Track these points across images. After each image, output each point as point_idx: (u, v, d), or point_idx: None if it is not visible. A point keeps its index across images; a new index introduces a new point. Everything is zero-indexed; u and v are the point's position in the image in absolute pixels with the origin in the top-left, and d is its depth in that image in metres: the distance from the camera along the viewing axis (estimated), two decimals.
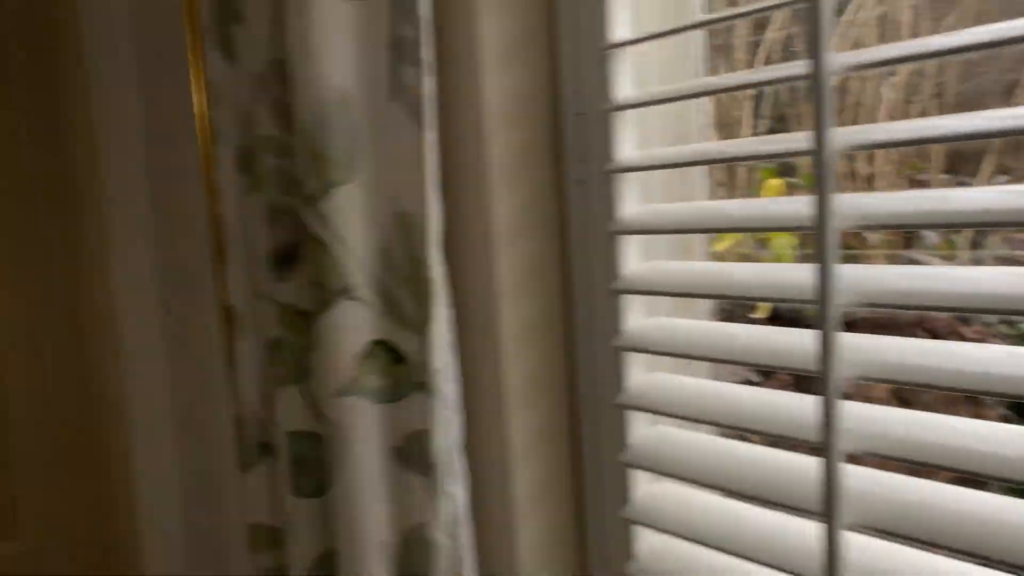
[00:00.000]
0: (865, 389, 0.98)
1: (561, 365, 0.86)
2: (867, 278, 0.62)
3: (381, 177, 0.74)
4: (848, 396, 0.64)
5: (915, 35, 0.95)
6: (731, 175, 1.14)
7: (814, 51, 0.60)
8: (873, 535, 0.63)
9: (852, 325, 0.64)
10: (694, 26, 0.72)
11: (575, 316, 0.84)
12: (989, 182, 0.93)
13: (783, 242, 1.05)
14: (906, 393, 1.05)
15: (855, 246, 1.05)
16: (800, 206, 0.65)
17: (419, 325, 0.75)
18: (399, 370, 0.76)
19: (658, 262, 0.83)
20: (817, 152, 0.61)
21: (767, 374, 1.11)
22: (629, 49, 0.79)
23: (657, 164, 0.77)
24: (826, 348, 0.62)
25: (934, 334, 1.06)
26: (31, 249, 1.27)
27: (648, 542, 0.84)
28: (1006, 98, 0.88)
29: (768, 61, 1.07)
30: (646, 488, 0.84)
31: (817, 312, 0.62)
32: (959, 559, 0.61)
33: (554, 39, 0.82)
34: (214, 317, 1.16)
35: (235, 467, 1.04)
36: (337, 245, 0.74)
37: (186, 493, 1.26)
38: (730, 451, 0.77)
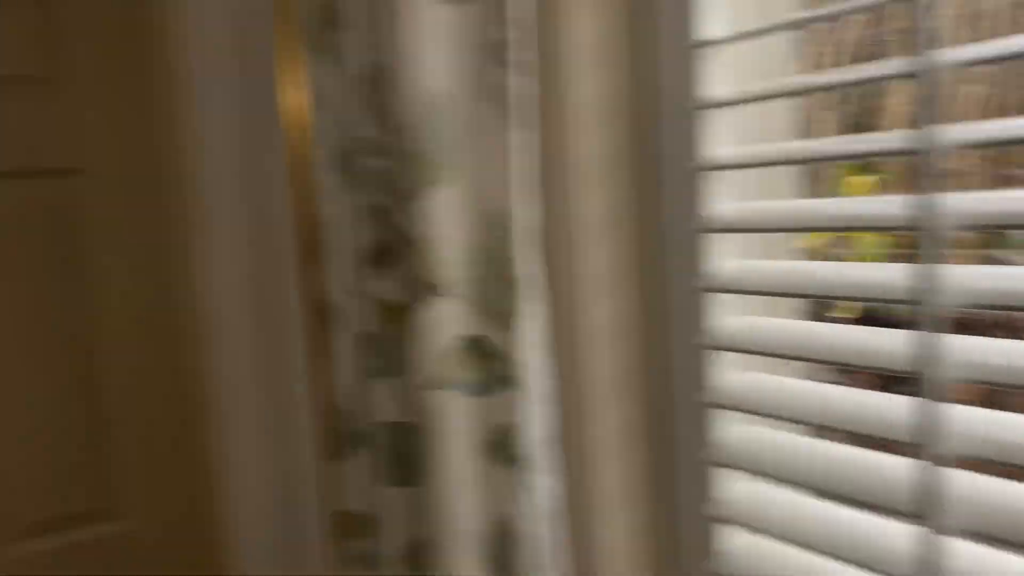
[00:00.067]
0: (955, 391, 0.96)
1: (648, 362, 0.87)
2: (972, 277, 0.62)
3: (473, 176, 0.76)
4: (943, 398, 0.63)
5: (1015, 27, 0.92)
6: (812, 172, 1.13)
7: (920, 48, 0.60)
8: (973, 540, 0.62)
9: (950, 326, 0.63)
10: (786, 26, 0.72)
11: (663, 314, 0.85)
12: None
13: (871, 240, 1.04)
14: (998, 396, 1.02)
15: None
16: (898, 205, 0.65)
17: (508, 321, 0.77)
18: (489, 365, 0.78)
19: (746, 260, 0.83)
20: (924, 151, 0.60)
21: (850, 375, 1.10)
22: (720, 47, 0.79)
23: (748, 163, 0.77)
24: (928, 349, 0.62)
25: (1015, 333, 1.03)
26: (130, 248, 1.33)
27: (734, 541, 0.85)
28: None
29: (853, 60, 1.05)
30: (732, 486, 0.84)
31: (918, 312, 0.62)
32: None
33: (644, 38, 0.83)
34: (300, 313, 1.21)
35: (321, 457, 1.08)
36: (430, 243, 0.76)
37: (273, 481, 1.31)
38: (818, 450, 0.77)
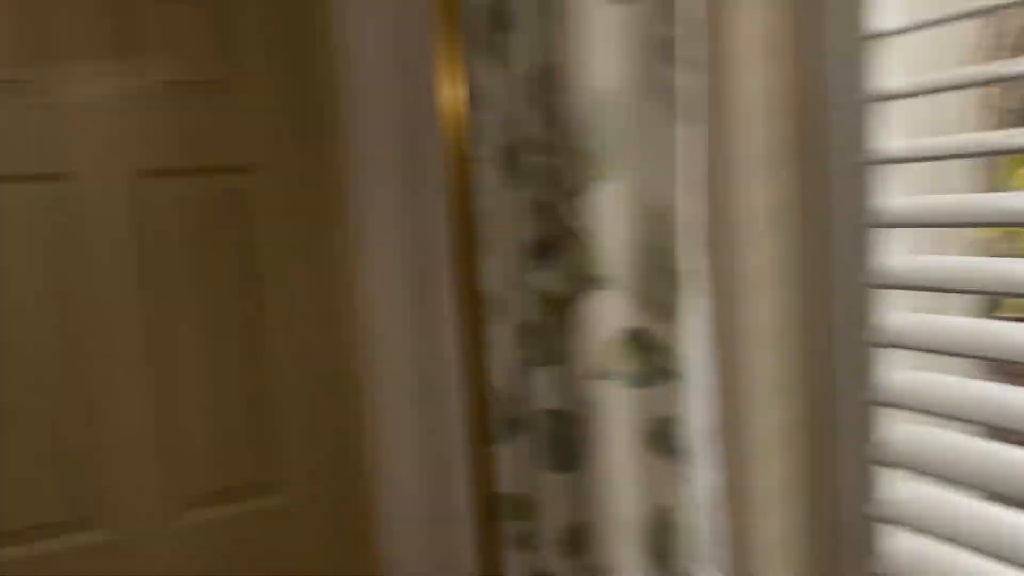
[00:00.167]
0: None
1: (812, 358, 0.86)
2: None
3: (638, 172, 0.78)
4: None
5: None
6: (983, 165, 1.08)
7: None
8: None
9: None
10: (959, 17, 0.70)
11: (828, 310, 0.84)
12: None
13: None
14: None
15: None
16: None
17: (671, 314, 0.78)
18: (651, 357, 0.80)
19: (916, 256, 0.81)
20: None
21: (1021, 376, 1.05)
22: (891, 39, 0.77)
23: (919, 156, 0.75)
24: None
25: None
26: (295, 238, 1.42)
27: (897, 542, 0.83)
28: None
29: (1014, 49, 1.00)
30: (897, 486, 0.82)
31: None
32: None
33: (812, 30, 0.82)
34: (454, 302, 1.25)
35: (473, 440, 1.12)
36: (594, 237, 0.78)
37: (424, 462, 1.37)
38: (988, 451, 0.74)
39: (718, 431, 0.82)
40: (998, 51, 0.99)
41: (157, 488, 1.36)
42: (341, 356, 1.43)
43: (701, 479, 0.81)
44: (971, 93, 0.88)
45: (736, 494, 0.85)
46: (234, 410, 1.41)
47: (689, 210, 0.77)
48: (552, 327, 0.85)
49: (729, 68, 0.80)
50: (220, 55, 1.36)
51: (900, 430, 0.82)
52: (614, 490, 0.81)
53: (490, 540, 1.14)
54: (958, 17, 0.70)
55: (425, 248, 1.31)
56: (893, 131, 0.80)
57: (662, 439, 0.80)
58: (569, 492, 0.86)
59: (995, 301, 0.99)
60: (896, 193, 0.80)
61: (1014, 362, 0.68)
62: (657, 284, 0.78)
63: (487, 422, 1.12)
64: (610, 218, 0.78)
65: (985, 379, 0.94)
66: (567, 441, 0.85)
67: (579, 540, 0.86)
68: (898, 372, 0.81)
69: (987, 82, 0.70)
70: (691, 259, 0.77)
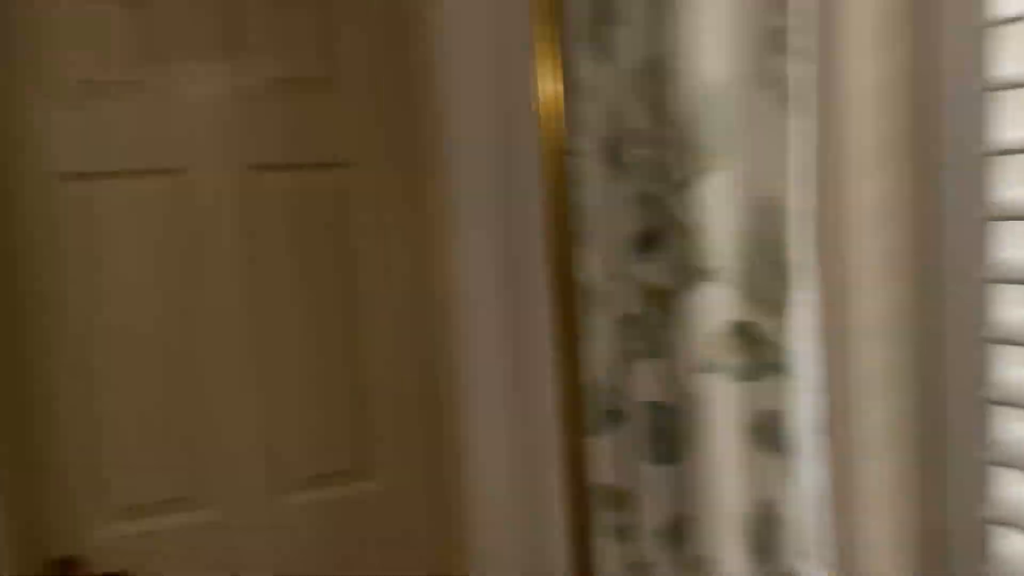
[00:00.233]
0: None
1: (923, 355, 0.84)
2: None
3: (747, 164, 0.77)
4: None
5: None
6: None
7: None
8: None
9: None
10: None
11: (940, 305, 0.82)
12: None
13: None
14: None
15: None
16: None
17: (779, 308, 0.77)
18: (757, 350, 0.79)
19: None
20: None
21: None
22: (1011, 25, 0.75)
23: None
24: None
25: None
26: (391, 233, 1.46)
27: (1010, 545, 0.80)
28: None
29: None
30: (1012, 488, 0.80)
31: None
32: None
33: (927, 18, 0.80)
34: (548, 293, 1.27)
35: (566, 431, 1.13)
36: (701, 229, 0.78)
37: (515, 452, 1.39)
38: None
39: (825, 426, 0.81)
40: None
41: (260, 472, 1.42)
42: (434, 346, 1.46)
43: (807, 475, 0.80)
44: None
45: (843, 491, 0.84)
46: (331, 399, 1.46)
47: (799, 202, 0.76)
48: (655, 319, 0.85)
49: (841, 58, 0.79)
50: (323, 54, 1.40)
51: (1016, 429, 0.79)
52: (717, 484, 0.81)
53: (582, 530, 1.15)
54: None
55: (519, 240, 1.33)
56: (1012, 121, 0.77)
57: (768, 433, 0.80)
58: (671, 485, 0.86)
59: None
60: (1014, 185, 0.78)
61: None
62: (766, 277, 0.78)
63: (580, 413, 1.13)
64: (719, 210, 0.78)
65: None
66: (669, 434, 0.85)
67: (680, 532, 0.86)
68: (1016, 369, 0.79)
69: None
70: (801, 252, 0.76)
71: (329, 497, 1.48)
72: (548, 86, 1.16)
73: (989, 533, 0.81)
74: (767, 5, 0.75)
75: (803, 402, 0.79)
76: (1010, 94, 0.76)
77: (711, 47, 0.76)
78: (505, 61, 1.29)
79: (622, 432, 0.94)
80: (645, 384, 0.87)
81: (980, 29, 0.76)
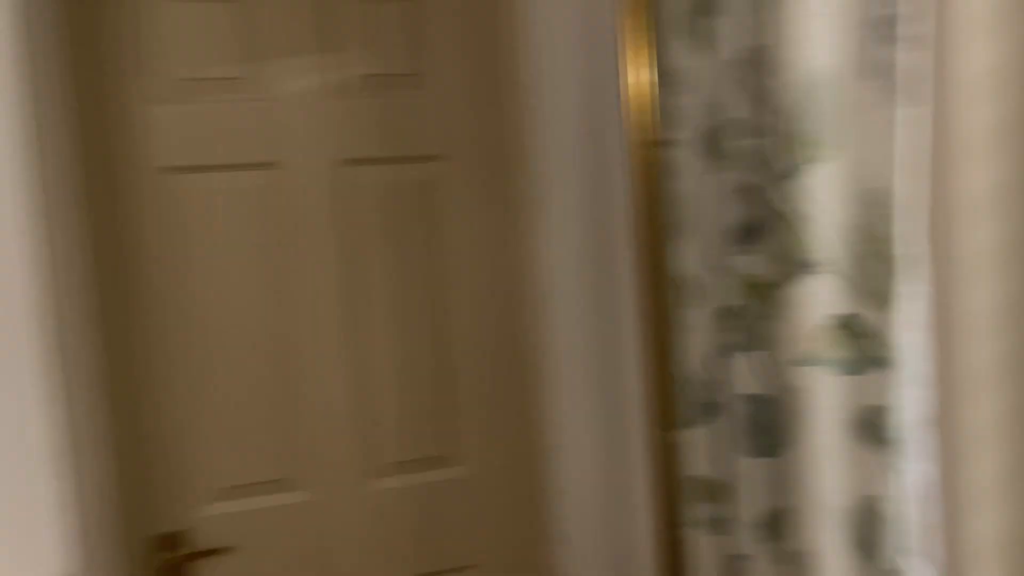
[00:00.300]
0: None
1: None
2: None
3: (854, 154, 0.76)
4: None
5: None
6: None
7: None
8: None
9: None
10: None
11: None
12: None
13: None
14: None
15: None
16: None
17: (886, 300, 0.76)
18: (862, 344, 0.78)
19: None
20: None
21: None
22: None
23: None
24: None
25: None
26: (479, 223, 1.48)
27: None
28: None
29: None
30: None
31: None
32: None
33: None
34: (634, 285, 1.27)
35: (654, 423, 1.13)
36: (805, 220, 0.77)
37: (601, 444, 1.40)
38: None
39: (932, 422, 0.80)
40: None
41: (351, 457, 1.46)
42: (521, 337, 1.48)
43: (912, 470, 0.79)
44: None
45: (949, 487, 0.82)
46: (421, 387, 1.48)
47: (907, 193, 0.74)
48: (755, 312, 0.85)
49: (952, 45, 0.77)
50: (413, 50, 1.43)
51: None
52: (819, 477, 0.80)
53: (670, 522, 1.15)
54: None
55: (607, 232, 1.33)
56: None
57: (872, 428, 0.79)
58: (770, 478, 0.86)
59: None
60: None
61: None
62: (871, 269, 0.76)
63: (669, 404, 1.13)
64: (823, 201, 0.77)
65: None
66: (768, 427, 0.85)
67: (779, 526, 0.86)
68: None
69: None
70: (908, 243, 0.75)
71: (418, 482, 1.51)
72: (638, 77, 1.16)
73: None
74: None
75: (909, 397, 0.77)
76: None
77: (816, 36, 0.75)
78: (593, 53, 1.29)
79: (718, 424, 0.94)
80: (744, 377, 0.87)
81: None
